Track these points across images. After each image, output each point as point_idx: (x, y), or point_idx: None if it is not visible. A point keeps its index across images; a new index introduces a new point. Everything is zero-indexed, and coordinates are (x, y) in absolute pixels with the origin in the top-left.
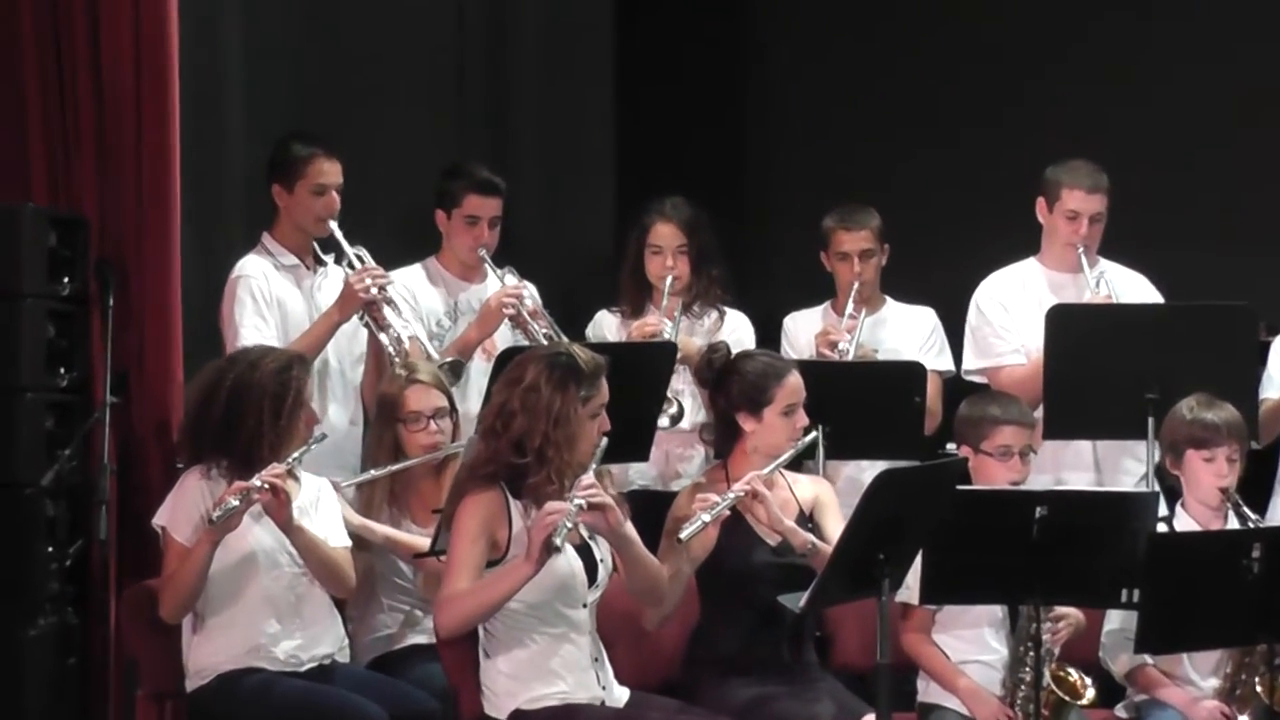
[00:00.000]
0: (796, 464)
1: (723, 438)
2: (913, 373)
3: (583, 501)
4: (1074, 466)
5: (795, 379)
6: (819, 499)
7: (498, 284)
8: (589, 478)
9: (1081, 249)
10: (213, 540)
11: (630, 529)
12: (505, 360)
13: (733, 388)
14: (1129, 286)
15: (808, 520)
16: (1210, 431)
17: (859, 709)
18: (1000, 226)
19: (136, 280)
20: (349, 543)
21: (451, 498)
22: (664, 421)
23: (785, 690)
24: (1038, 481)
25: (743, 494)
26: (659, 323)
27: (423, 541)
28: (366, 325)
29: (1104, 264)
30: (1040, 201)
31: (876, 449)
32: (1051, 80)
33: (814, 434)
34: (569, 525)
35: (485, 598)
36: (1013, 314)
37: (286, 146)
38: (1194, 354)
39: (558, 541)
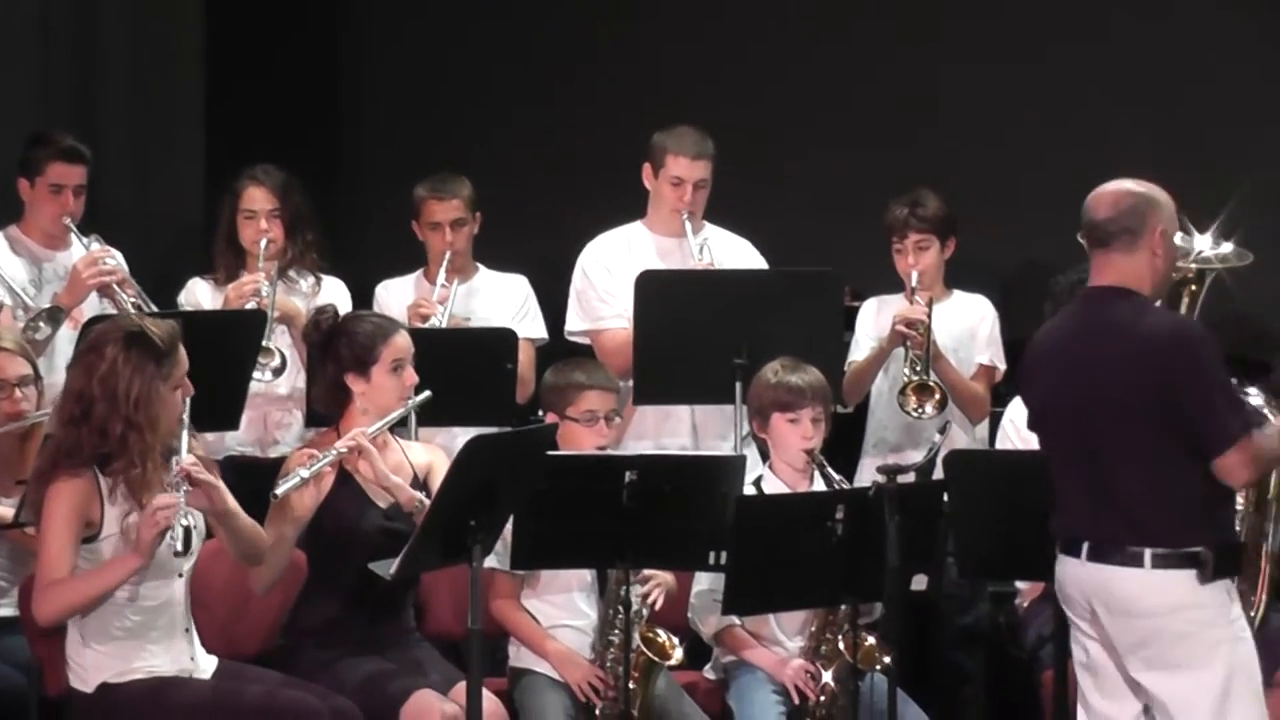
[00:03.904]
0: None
1: (332, 401)
2: (504, 340)
3: (187, 486)
4: (674, 433)
5: (403, 338)
6: (433, 466)
7: (83, 252)
8: (190, 458)
9: (686, 215)
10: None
11: (232, 502)
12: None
13: (341, 349)
14: (733, 253)
15: (421, 487)
16: (794, 394)
17: (452, 675)
18: (602, 193)
19: None
20: None
21: (39, 480)
22: (266, 375)
23: (386, 659)
24: (638, 447)
25: (345, 450)
26: (256, 280)
27: (6, 511)
28: None
29: (710, 230)
30: (646, 167)
31: (469, 416)
32: (652, 44)
33: (426, 393)
34: (183, 524)
35: (90, 590)
36: (617, 277)
37: None
38: (782, 319)
39: (174, 542)
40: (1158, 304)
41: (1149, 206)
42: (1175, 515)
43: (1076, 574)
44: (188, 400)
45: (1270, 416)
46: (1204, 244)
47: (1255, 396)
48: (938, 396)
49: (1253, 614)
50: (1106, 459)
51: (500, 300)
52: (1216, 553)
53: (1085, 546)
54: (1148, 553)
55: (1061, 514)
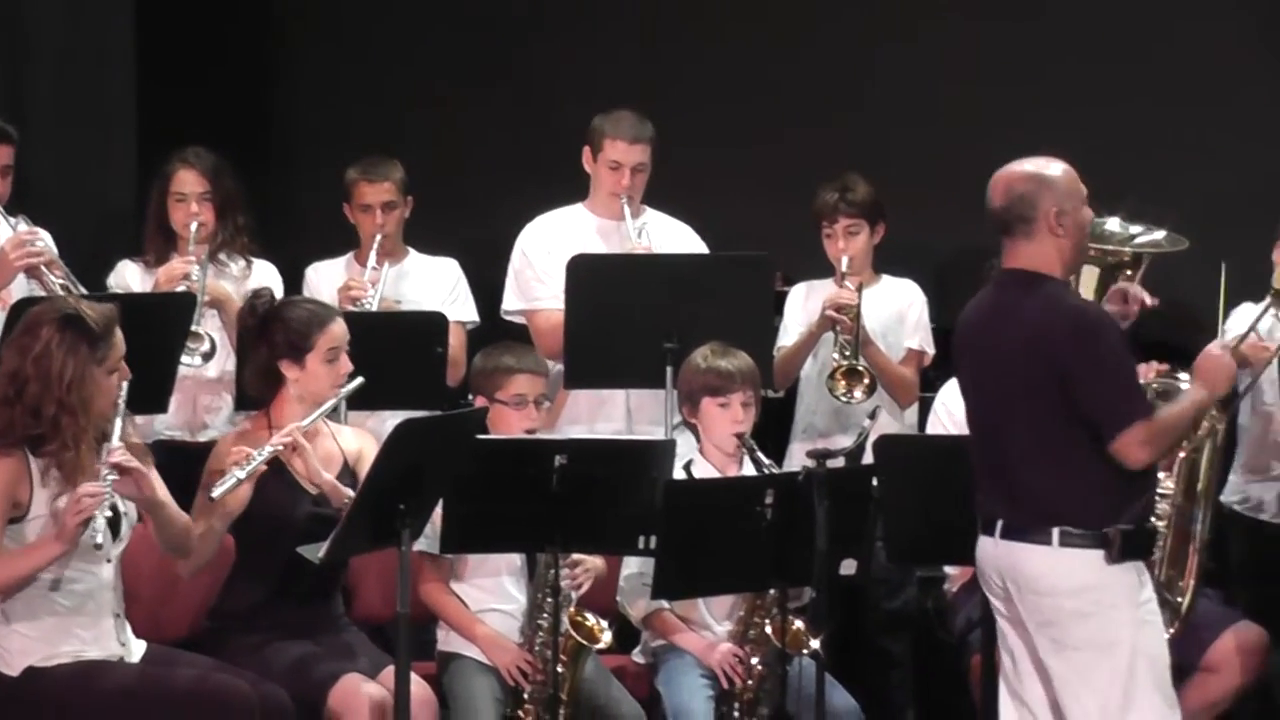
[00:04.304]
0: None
1: (264, 385)
2: (434, 323)
3: (115, 475)
4: (609, 417)
5: (339, 326)
6: (363, 452)
7: (10, 233)
8: (118, 445)
9: (625, 199)
10: None
11: (161, 491)
12: (20, 312)
13: (276, 335)
14: (673, 237)
15: (351, 473)
16: (724, 379)
17: (380, 659)
18: (533, 178)
19: None
20: None
21: None
22: (195, 360)
23: (314, 644)
24: (572, 431)
25: (280, 447)
26: (187, 264)
27: None
28: None
29: (650, 214)
30: (586, 150)
31: (398, 400)
32: (587, 28)
33: (359, 380)
34: (109, 513)
35: (12, 572)
36: (555, 258)
37: None
38: (712, 303)
39: (94, 534)
40: (1070, 284)
41: (1039, 189)
42: (1083, 496)
43: (991, 553)
44: (124, 385)
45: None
46: (1138, 228)
47: (1185, 382)
48: (867, 381)
49: (1180, 600)
50: (1015, 441)
51: (431, 284)
52: (1125, 534)
53: (999, 525)
54: (1055, 532)
55: (979, 494)
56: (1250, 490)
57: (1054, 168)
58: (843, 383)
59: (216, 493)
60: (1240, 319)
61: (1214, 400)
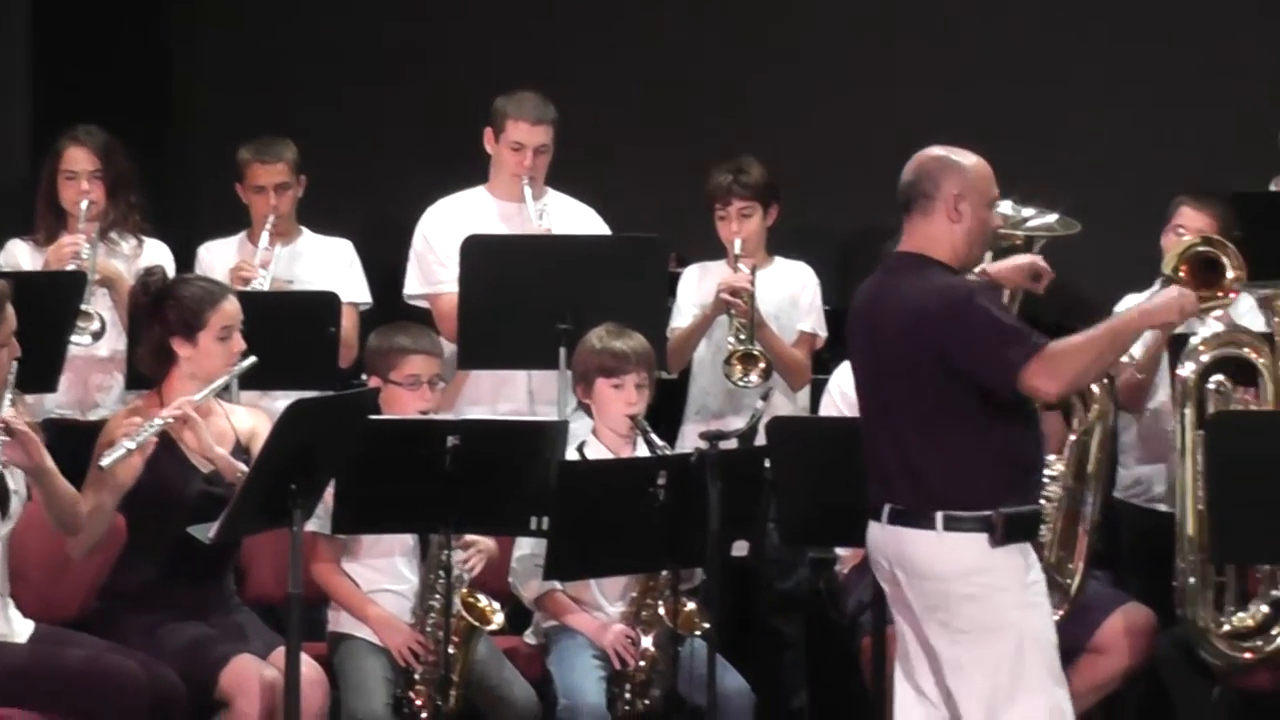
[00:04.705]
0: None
1: (156, 364)
2: (326, 303)
3: (5, 437)
4: (509, 398)
5: (232, 304)
6: (256, 430)
7: None
8: (7, 407)
9: (526, 180)
10: None
11: (49, 461)
12: None
13: (168, 313)
14: (574, 219)
15: (244, 451)
16: (618, 360)
17: (272, 640)
18: (429, 158)
19: None
20: None
21: None
22: (85, 339)
23: (206, 624)
24: (473, 412)
25: (171, 419)
26: (76, 241)
27: None
28: None
29: (552, 196)
30: (488, 131)
31: (291, 380)
32: (484, 8)
33: (252, 359)
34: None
35: None
36: (457, 242)
37: None
38: (606, 284)
39: None
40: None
41: (946, 170)
42: (966, 479)
43: (879, 538)
44: (14, 362)
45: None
46: (1030, 212)
47: None
48: (763, 365)
49: (1070, 582)
50: (900, 424)
51: (324, 264)
52: (1009, 517)
53: (886, 510)
54: (939, 515)
55: (869, 479)
56: (1142, 473)
57: (969, 158)
58: (739, 367)
59: (105, 462)
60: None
61: (1146, 326)
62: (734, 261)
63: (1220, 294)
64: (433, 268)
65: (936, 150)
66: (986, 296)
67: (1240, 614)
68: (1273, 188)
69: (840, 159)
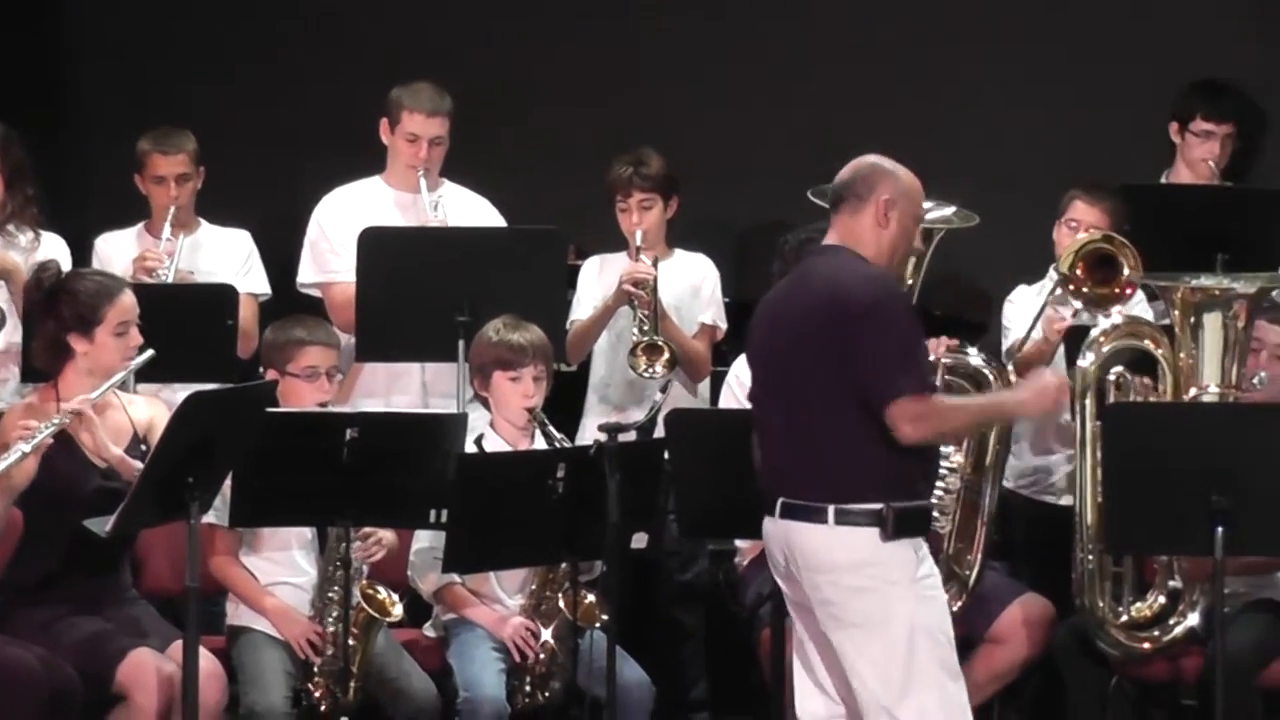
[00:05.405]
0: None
1: (51, 358)
2: (224, 295)
3: None
4: (404, 390)
5: (128, 299)
6: (154, 421)
7: None
8: None
9: (422, 172)
10: None
11: None
12: None
13: (63, 308)
14: (470, 210)
15: (141, 443)
16: (515, 352)
17: (170, 633)
18: (328, 149)
19: None
20: None
21: None
22: None
23: (103, 618)
24: (367, 404)
25: (67, 420)
26: None
27: None
28: None
29: (447, 187)
30: (384, 122)
31: (188, 372)
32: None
33: (149, 353)
34: None
35: None
36: (352, 231)
37: None
38: (505, 276)
39: None
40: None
41: (882, 176)
42: (857, 473)
43: (773, 532)
44: None
45: (991, 378)
46: (929, 205)
47: (975, 357)
48: (667, 356)
49: (968, 573)
50: (794, 415)
51: (223, 255)
52: (899, 512)
53: (779, 504)
54: (830, 509)
55: (762, 472)
56: (1037, 464)
57: (905, 172)
58: (644, 358)
59: (2, 466)
60: (1019, 301)
61: (1017, 417)
62: (635, 253)
63: (1117, 290)
64: (326, 256)
65: (875, 157)
66: (905, 302)
67: (1138, 604)
68: (1163, 180)
69: (739, 152)
